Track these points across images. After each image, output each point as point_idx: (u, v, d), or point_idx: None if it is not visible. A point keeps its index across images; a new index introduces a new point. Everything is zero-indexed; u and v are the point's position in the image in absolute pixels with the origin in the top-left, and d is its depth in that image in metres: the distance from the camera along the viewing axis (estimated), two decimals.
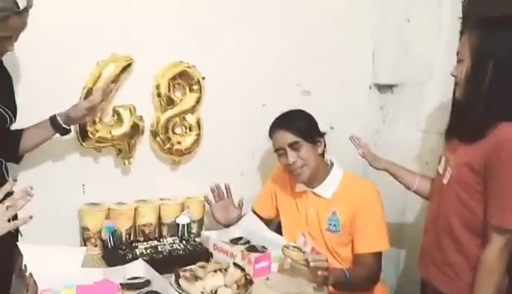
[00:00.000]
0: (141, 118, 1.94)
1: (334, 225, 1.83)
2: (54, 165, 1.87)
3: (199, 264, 1.56)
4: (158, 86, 1.94)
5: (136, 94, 1.92)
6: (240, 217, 1.97)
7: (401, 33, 2.32)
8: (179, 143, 2.02)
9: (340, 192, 1.84)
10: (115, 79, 1.82)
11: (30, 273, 1.40)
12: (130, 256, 1.69)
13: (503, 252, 1.45)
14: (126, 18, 1.87)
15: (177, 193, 2.04)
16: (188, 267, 1.53)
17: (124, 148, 1.93)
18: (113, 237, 1.80)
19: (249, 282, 1.51)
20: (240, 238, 1.86)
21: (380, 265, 1.80)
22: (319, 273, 1.54)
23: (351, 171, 1.91)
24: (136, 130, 1.92)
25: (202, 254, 1.75)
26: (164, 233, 1.98)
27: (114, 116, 1.90)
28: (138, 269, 1.54)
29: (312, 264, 1.53)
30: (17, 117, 1.61)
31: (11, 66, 1.65)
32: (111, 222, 1.85)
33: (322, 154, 1.88)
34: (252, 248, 1.76)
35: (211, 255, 1.77)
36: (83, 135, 1.84)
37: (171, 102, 1.97)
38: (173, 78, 1.96)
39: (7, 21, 1.37)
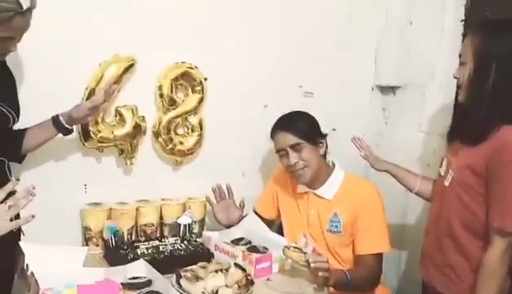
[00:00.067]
0: (143, 118, 1.94)
1: (336, 226, 1.83)
2: (56, 165, 1.87)
3: (201, 264, 1.55)
4: (160, 87, 1.95)
5: (138, 94, 1.93)
6: (241, 218, 1.97)
7: (404, 35, 2.32)
8: (181, 143, 2.02)
9: (342, 193, 1.84)
10: (118, 80, 1.83)
11: (32, 273, 1.40)
12: (131, 255, 1.69)
13: (505, 255, 1.45)
14: (128, 19, 1.87)
15: (178, 193, 2.05)
16: (189, 267, 1.53)
17: (126, 148, 1.94)
18: (114, 237, 1.80)
19: (250, 283, 1.51)
20: (242, 239, 1.86)
21: (381, 266, 1.80)
22: (320, 274, 1.54)
23: (352, 173, 1.91)
24: (138, 130, 1.93)
25: (203, 254, 1.76)
26: (166, 233, 1.98)
27: (116, 116, 1.90)
28: (139, 268, 1.55)
29: (312, 265, 1.53)
30: (20, 117, 1.62)
31: (14, 66, 1.65)
32: (113, 222, 1.86)
33: (324, 156, 1.88)
34: (253, 249, 1.76)
35: (212, 255, 1.77)
36: (86, 135, 1.85)
37: (173, 103, 1.98)
38: (176, 79, 1.96)
39: (11, 22, 1.37)
